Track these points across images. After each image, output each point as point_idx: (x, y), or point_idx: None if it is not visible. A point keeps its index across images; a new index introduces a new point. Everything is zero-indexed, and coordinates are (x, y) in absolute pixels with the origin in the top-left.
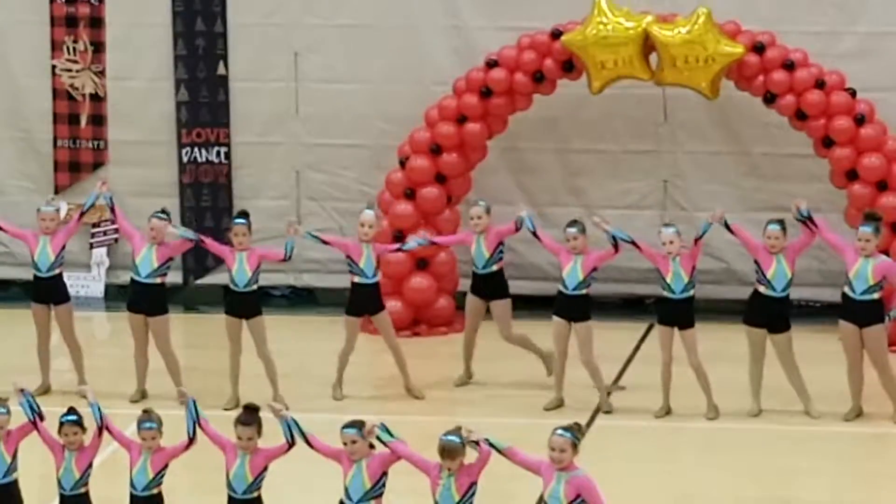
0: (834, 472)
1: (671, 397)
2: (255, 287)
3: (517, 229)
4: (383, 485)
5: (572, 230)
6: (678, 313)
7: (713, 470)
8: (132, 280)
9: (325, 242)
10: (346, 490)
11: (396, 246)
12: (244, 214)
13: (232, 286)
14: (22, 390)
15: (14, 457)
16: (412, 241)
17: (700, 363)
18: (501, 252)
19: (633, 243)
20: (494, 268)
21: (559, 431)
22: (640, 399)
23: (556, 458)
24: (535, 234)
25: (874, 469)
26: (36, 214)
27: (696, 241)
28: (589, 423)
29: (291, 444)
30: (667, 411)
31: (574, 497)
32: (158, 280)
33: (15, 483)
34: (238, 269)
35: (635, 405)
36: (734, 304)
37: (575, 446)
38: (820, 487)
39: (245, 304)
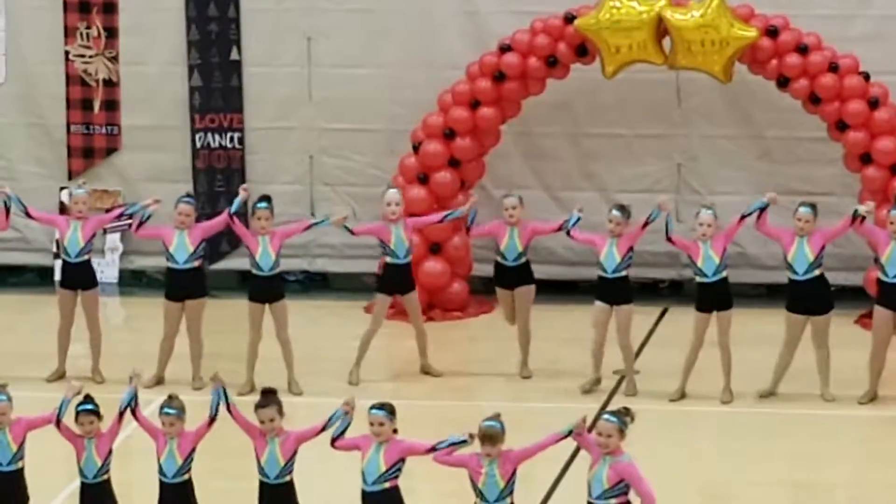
0: (851, 455)
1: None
2: (278, 270)
3: (559, 230)
4: (399, 469)
5: (617, 214)
6: (715, 296)
7: (729, 454)
8: (169, 269)
9: (353, 233)
10: (363, 473)
11: (442, 215)
12: (266, 199)
13: (256, 271)
14: (86, 396)
15: (21, 445)
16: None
17: (728, 344)
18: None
19: (670, 239)
20: (524, 260)
21: (606, 416)
22: (654, 383)
23: (602, 442)
24: (569, 233)
25: (892, 451)
26: (68, 199)
27: (742, 218)
28: (602, 408)
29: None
30: (682, 395)
31: (616, 482)
32: (196, 264)
33: (20, 472)
34: (262, 254)
35: (650, 389)
36: (749, 287)
37: (622, 431)
38: (837, 470)
39: (269, 289)
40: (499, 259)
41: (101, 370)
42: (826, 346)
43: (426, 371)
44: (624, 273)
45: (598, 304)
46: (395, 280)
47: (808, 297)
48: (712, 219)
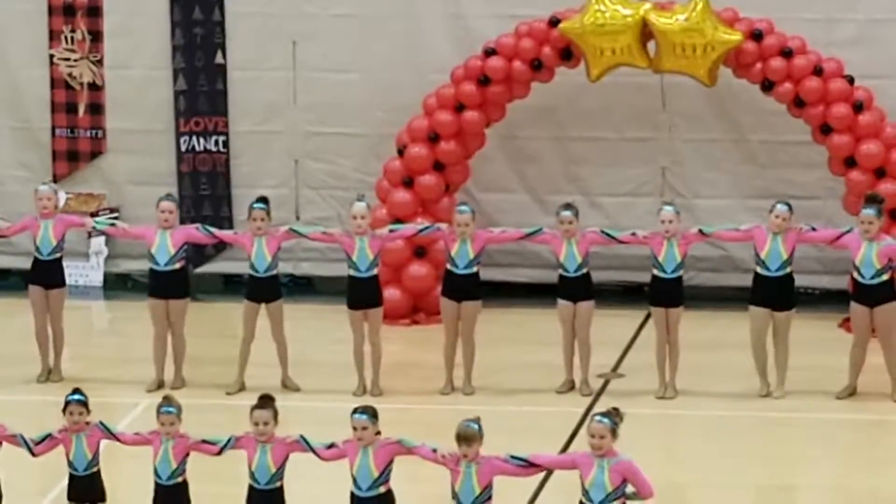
0: (835, 458)
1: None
2: (275, 272)
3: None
4: (390, 471)
5: (567, 213)
6: (666, 292)
7: (714, 457)
8: (151, 270)
9: (309, 238)
10: (355, 479)
11: (417, 229)
12: (264, 199)
13: (251, 272)
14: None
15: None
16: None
17: (677, 342)
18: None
19: (618, 240)
20: (474, 269)
21: (598, 418)
22: (639, 385)
23: (595, 444)
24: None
25: (876, 455)
26: (33, 195)
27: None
28: (588, 410)
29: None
30: (674, 391)
31: (620, 483)
32: (178, 265)
33: None
34: (257, 255)
35: (634, 391)
36: (732, 291)
37: (614, 432)
38: (822, 473)
39: (266, 289)
40: (448, 266)
41: (60, 368)
42: (786, 344)
43: (371, 386)
44: (585, 271)
45: (562, 302)
46: (357, 294)
47: (774, 293)
48: (673, 215)
